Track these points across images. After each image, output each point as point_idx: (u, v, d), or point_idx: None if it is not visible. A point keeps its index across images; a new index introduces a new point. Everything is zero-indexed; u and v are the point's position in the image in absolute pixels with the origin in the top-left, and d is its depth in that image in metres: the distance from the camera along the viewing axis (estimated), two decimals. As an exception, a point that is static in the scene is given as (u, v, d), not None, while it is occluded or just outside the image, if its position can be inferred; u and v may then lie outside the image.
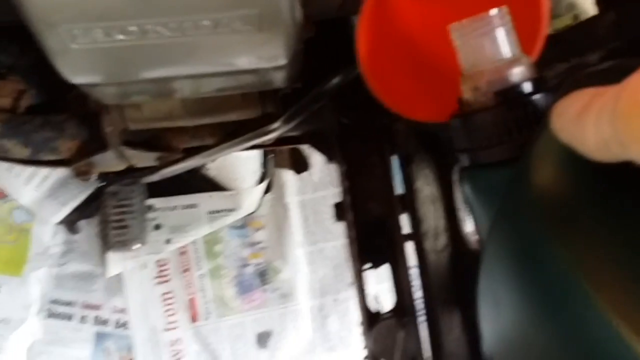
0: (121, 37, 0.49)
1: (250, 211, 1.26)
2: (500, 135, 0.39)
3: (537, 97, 0.39)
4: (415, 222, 0.72)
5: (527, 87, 0.39)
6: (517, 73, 0.40)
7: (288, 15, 0.51)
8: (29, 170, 1.14)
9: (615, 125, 0.25)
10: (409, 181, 0.72)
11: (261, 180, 1.27)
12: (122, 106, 0.69)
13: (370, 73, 0.53)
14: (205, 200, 1.22)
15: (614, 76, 0.27)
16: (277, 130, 0.71)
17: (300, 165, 1.29)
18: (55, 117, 0.73)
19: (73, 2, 0.46)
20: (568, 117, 0.30)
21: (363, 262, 0.71)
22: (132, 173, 0.74)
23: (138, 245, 0.71)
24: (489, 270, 0.37)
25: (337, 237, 1.30)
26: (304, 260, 1.30)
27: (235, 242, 1.28)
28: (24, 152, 0.73)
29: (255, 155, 1.24)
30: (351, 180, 0.70)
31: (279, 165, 1.28)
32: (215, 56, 0.54)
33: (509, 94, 0.39)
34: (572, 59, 0.67)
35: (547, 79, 0.63)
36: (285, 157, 1.28)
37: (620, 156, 0.26)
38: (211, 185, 1.23)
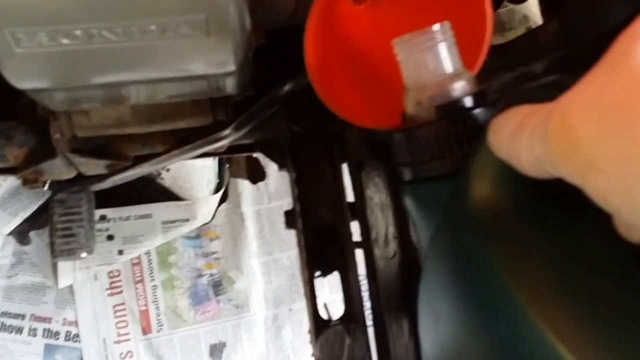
0: (66, 41, 0.49)
1: (206, 221, 1.26)
2: (441, 150, 0.39)
3: (477, 111, 0.40)
4: (365, 229, 0.73)
5: (468, 101, 0.40)
6: (459, 88, 0.41)
7: (236, 21, 0.51)
8: (-22, 180, 1.12)
9: (545, 145, 0.26)
10: (359, 189, 0.73)
11: (217, 190, 1.26)
12: (70, 113, 0.68)
13: (319, 80, 0.54)
14: (160, 210, 1.21)
15: (551, 92, 0.28)
16: (227, 137, 0.71)
17: (256, 174, 1.29)
18: (2, 124, 0.72)
19: (16, 5, 0.46)
20: (503, 134, 0.30)
21: (313, 270, 0.71)
22: (80, 181, 0.73)
23: (84, 254, 0.69)
24: (428, 283, 0.38)
25: (292, 247, 1.30)
26: (259, 271, 1.29)
27: (190, 253, 1.27)
28: (-31, 160, 0.72)
29: (211, 165, 1.24)
30: (301, 188, 0.71)
31: (235, 174, 1.28)
32: (163, 61, 0.54)
33: (450, 109, 0.40)
34: (517, 68, 0.68)
35: (490, 91, 0.65)
36: (242, 166, 1.28)
37: (552, 174, 0.27)
38: (166, 195, 1.22)
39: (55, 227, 0.70)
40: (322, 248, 0.72)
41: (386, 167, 0.78)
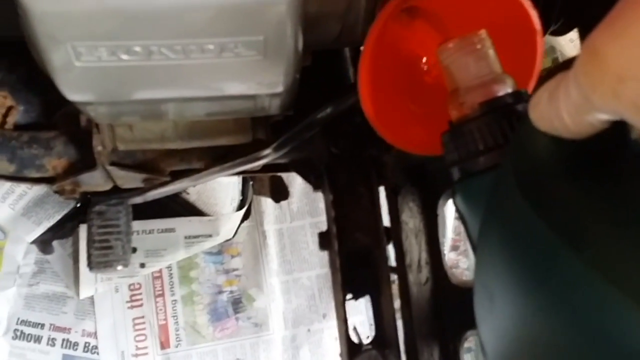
0: (126, 57, 0.50)
1: (228, 238, 1.26)
2: (486, 143, 0.41)
3: (518, 106, 0.41)
4: (400, 254, 0.73)
5: (509, 98, 0.42)
6: (500, 87, 0.43)
7: (291, 43, 0.52)
8: (5, 187, 1.12)
9: (578, 80, 0.29)
10: (395, 213, 0.73)
11: (240, 207, 1.27)
12: (114, 126, 0.69)
13: (370, 104, 0.54)
14: (183, 224, 1.21)
15: None
16: (267, 157, 0.71)
17: (279, 193, 1.30)
18: (43, 134, 0.73)
19: (81, 20, 0.46)
20: (542, 102, 0.33)
21: (347, 293, 0.71)
22: (119, 194, 0.73)
23: (121, 267, 0.70)
24: (483, 271, 0.38)
25: (312, 267, 1.30)
26: (279, 290, 1.29)
27: (211, 269, 1.27)
28: (9, 169, 0.73)
29: (235, 182, 1.24)
30: (338, 210, 0.71)
31: (259, 192, 1.28)
32: (217, 80, 0.55)
33: (493, 104, 0.42)
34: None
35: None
36: (265, 184, 1.28)
37: (593, 120, 0.30)
38: (190, 210, 1.22)
39: (93, 238, 0.70)
40: (355, 271, 0.72)
41: (421, 192, 0.78)
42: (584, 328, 0.29)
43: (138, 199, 0.73)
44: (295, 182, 1.30)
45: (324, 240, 0.73)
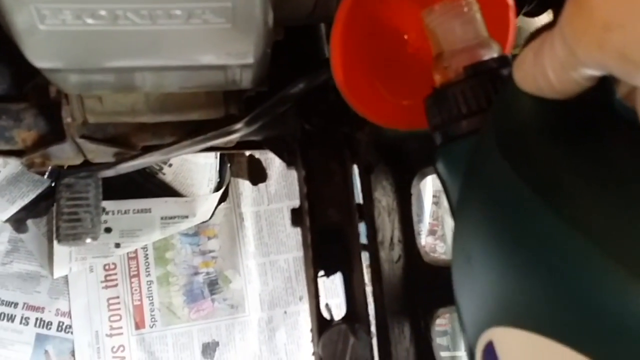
0: (91, 21, 0.49)
1: (204, 219, 1.25)
2: (469, 107, 0.41)
3: (504, 70, 0.41)
4: (372, 231, 0.72)
5: (494, 62, 0.42)
6: (485, 52, 0.43)
7: (260, 12, 0.51)
8: (-24, 165, 1.11)
9: (563, 32, 0.28)
10: (367, 191, 0.73)
11: (217, 189, 1.26)
12: (83, 98, 0.68)
13: (342, 77, 0.54)
14: (159, 205, 1.20)
15: None
16: (238, 131, 0.71)
17: (257, 175, 1.29)
18: (13, 105, 0.71)
19: (44, -19, 0.45)
20: (527, 62, 0.33)
21: (318, 269, 0.71)
22: (88, 167, 0.73)
23: (89, 240, 0.69)
24: (461, 233, 0.38)
25: (290, 250, 1.30)
26: (256, 272, 1.29)
27: (187, 250, 1.26)
28: (-24, 140, 0.72)
29: (213, 163, 1.24)
30: (310, 186, 0.70)
31: (236, 174, 1.28)
32: (184, 48, 0.54)
33: (478, 68, 0.41)
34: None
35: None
36: (243, 167, 1.28)
37: (578, 76, 0.29)
38: (166, 190, 1.22)
39: (61, 210, 0.69)
40: (327, 248, 0.71)
41: (394, 171, 0.78)
42: (562, 285, 0.29)
43: (108, 172, 0.72)
44: (274, 164, 1.30)
45: (296, 217, 0.73)
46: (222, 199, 1.28)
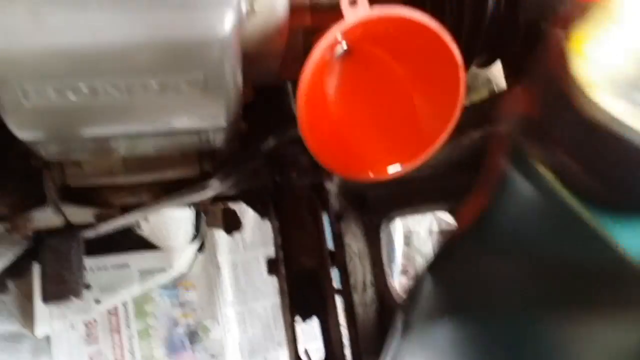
0: (72, 97, 0.52)
1: (182, 271, 1.28)
2: None
3: None
4: (344, 276, 0.76)
5: None
6: None
7: (230, 80, 0.55)
8: (-44, 229, 1.12)
9: None
10: (338, 237, 0.77)
11: (193, 240, 1.29)
12: (63, 163, 0.71)
13: (310, 134, 0.57)
14: (137, 259, 1.23)
15: None
16: (212, 188, 0.74)
17: (232, 225, 1.32)
18: (-5, 173, 0.74)
19: (27, 59, 0.49)
20: None
21: (295, 315, 0.74)
22: (70, 229, 0.75)
23: (73, 298, 0.71)
24: None
25: (267, 296, 1.32)
26: (234, 320, 1.31)
27: (166, 302, 1.28)
28: (-40, 207, 0.74)
29: (188, 216, 1.26)
30: (284, 236, 0.74)
31: (211, 224, 1.30)
32: (160, 116, 0.58)
33: None
34: (485, 127, 0.73)
35: (462, 146, 0.71)
36: (217, 216, 1.30)
37: None
38: (143, 244, 1.24)
39: (46, 272, 0.72)
40: (302, 293, 0.75)
41: (362, 217, 0.82)
42: None
43: (90, 233, 0.75)
44: (247, 213, 1.33)
45: (272, 266, 0.76)
46: (199, 249, 1.30)
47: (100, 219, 0.75)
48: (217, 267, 1.31)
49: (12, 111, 0.54)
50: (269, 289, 1.32)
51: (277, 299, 1.30)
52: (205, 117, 0.59)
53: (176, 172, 0.75)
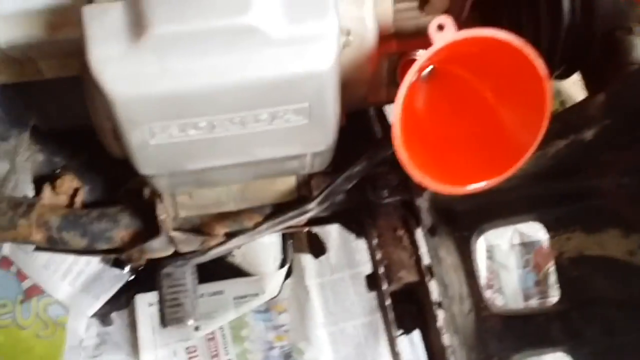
0: (193, 132, 0.58)
1: (273, 295, 1.33)
2: None
3: None
4: (442, 288, 0.78)
5: None
6: None
7: (332, 107, 0.60)
8: (64, 266, 1.20)
9: None
10: (434, 251, 0.79)
11: (282, 265, 1.34)
12: (175, 195, 0.77)
13: (403, 152, 0.61)
14: (231, 286, 1.28)
15: None
16: (311, 210, 0.78)
17: (317, 249, 1.36)
18: (110, 209, 0.80)
19: (154, 103, 0.54)
20: None
21: (397, 329, 0.77)
22: (182, 256, 0.81)
23: (191, 322, 0.77)
24: None
25: (356, 317, 1.35)
26: (327, 341, 1.34)
27: (260, 326, 1.33)
28: (82, 243, 0.79)
29: (276, 242, 1.31)
30: (382, 252, 0.77)
31: (298, 250, 1.35)
32: (268, 145, 0.62)
33: None
34: (570, 136, 0.75)
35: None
36: (303, 242, 1.35)
37: None
38: (236, 271, 1.30)
39: (164, 297, 0.77)
40: (402, 308, 0.78)
41: (454, 231, 0.84)
42: None
43: (202, 259, 0.80)
44: (331, 236, 1.37)
45: (372, 282, 0.80)
46: (288, 274, 1.35)
47: (209, 245, 0.80)
48: (306, 290, 1.35)
49: (140, 151, 0.59)
50: (358, 309, 1.35)
51: (366, 318, 1.34)
52: (308, 142, 0.64)
53: (276, 198, 0.80)
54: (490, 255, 1.38)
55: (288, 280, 1.36)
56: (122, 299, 1.25)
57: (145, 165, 0.62)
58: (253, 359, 1.31)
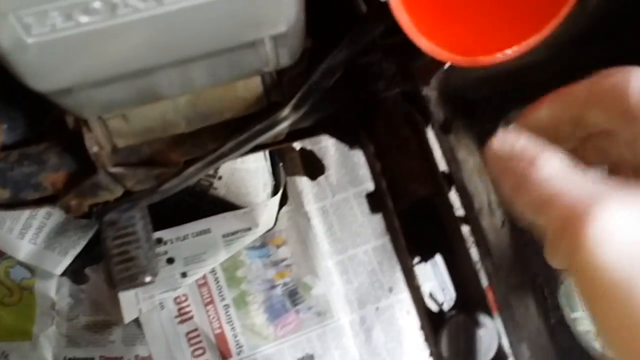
0: (85, 18, 0.40)
1: (268, 227, 1.17)
2: None
3: None
4: (466, 199, 0.62)
5: None
6: None
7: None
8: (21, 222, 1.05)
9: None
10: (449, 153, 0.62)
11: (274, 192, 1.17)
12: (105, 120, 0.59)
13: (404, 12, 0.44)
14: (218, 222, 1.12)
15: None
16: (286, 119, 0.61)
17: (314, 169, 1.20)
18: (33, 148, 0.63)
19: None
20: (504, 181, 0.35)
21: (413, 256, 0.61)
22: (128, 197, 0.64)
23: (149, 278, 0.60)
24: None
25: (367, 240, 1.20)
26: (336, 272, 1.19)
27: (258, 264, 1.18)
28: (4, 195, 0.64)
29: (264, 167, 1.15)
30: (384, 162, 0.60)
31: (291, 172, 1.19)
32: (203, 29, 0.44)
33: None
34: None
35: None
36: (297, 162, 1.19)
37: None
38: (222, 205, 1.13)
39: (110, 253, 0.61)
40: (418, 229, 0.61)
41: (473, 125, 0.67)
42: None
43: (154, 198, 0.64)
44: (329, 152, 1.20)
45: (374, 202, 0.63)
46: (283, 202, 1.19)
47: (163, 179, 0.63)
48: (306, 217, 1.20)
49: (17, 55, 0.41)
50: (367, 231, 1.19)
51: (378, 241, 1.19)
52: (261, 20, 0.45)
53: (240, 109, 0.62)
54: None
55: (284, 209, 1.20)
56: (95, 252, 1.10)
57: (31, 76, 0.44)
58: (253, 301, 1.17)
